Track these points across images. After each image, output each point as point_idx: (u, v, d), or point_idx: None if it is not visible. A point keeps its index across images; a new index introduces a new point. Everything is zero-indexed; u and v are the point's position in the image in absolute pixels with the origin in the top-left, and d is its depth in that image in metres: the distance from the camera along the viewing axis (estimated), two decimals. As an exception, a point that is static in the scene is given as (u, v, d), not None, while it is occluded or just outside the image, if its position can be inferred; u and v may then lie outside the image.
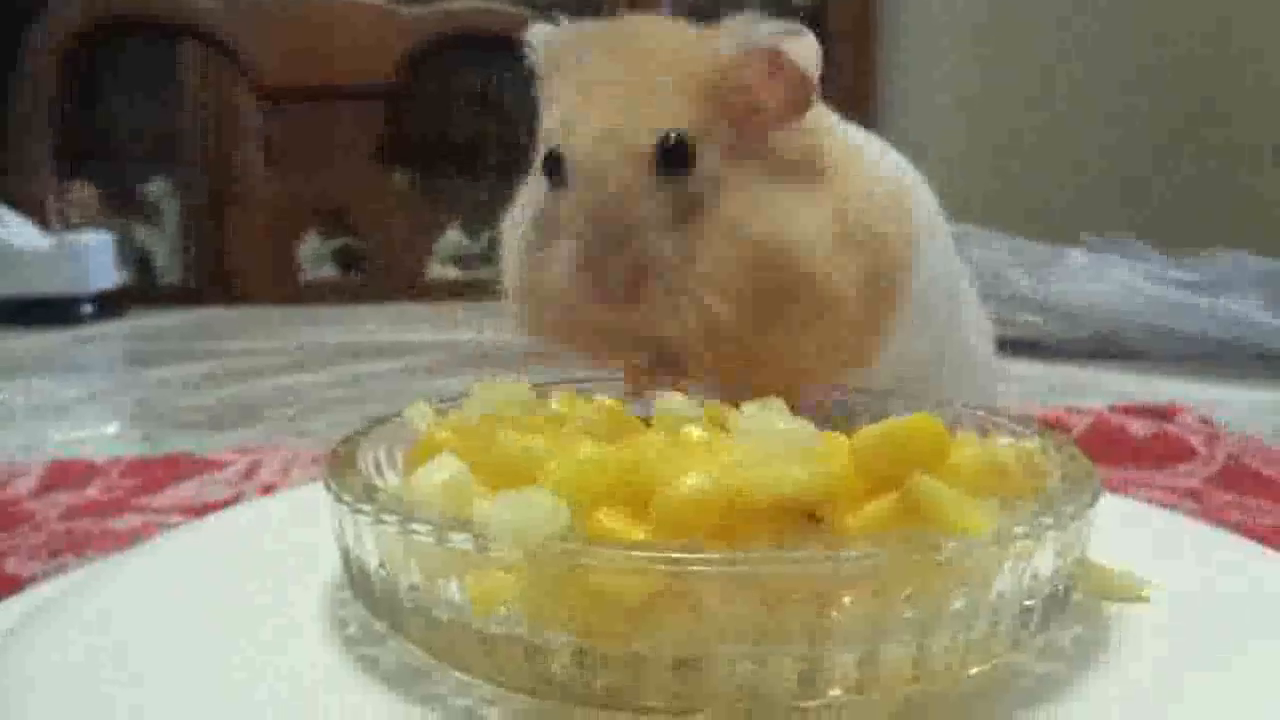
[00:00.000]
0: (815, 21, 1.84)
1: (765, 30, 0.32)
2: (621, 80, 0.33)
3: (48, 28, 1.24)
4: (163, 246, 1.86)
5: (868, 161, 0.36)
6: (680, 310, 0.31)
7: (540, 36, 0.36)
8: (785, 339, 0.33)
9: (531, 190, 0.36)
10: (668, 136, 0.32)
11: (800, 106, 0.33)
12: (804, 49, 0.32)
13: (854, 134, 0.38)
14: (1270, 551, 0.31)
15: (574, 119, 0.33)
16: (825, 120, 0.36)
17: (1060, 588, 0.24)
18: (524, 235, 0.35)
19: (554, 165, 0.33)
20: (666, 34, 0.35)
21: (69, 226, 1.14)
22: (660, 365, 0.34)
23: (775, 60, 0.32)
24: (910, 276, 0.35)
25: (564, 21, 0.36)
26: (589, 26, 0.36)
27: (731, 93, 0.33)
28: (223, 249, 1.42)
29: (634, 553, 0.21)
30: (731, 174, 0.32)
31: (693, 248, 0.32)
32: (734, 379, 0.31)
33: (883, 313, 0.35)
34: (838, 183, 0.34)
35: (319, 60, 1.32)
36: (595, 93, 0.33)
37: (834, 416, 0.31)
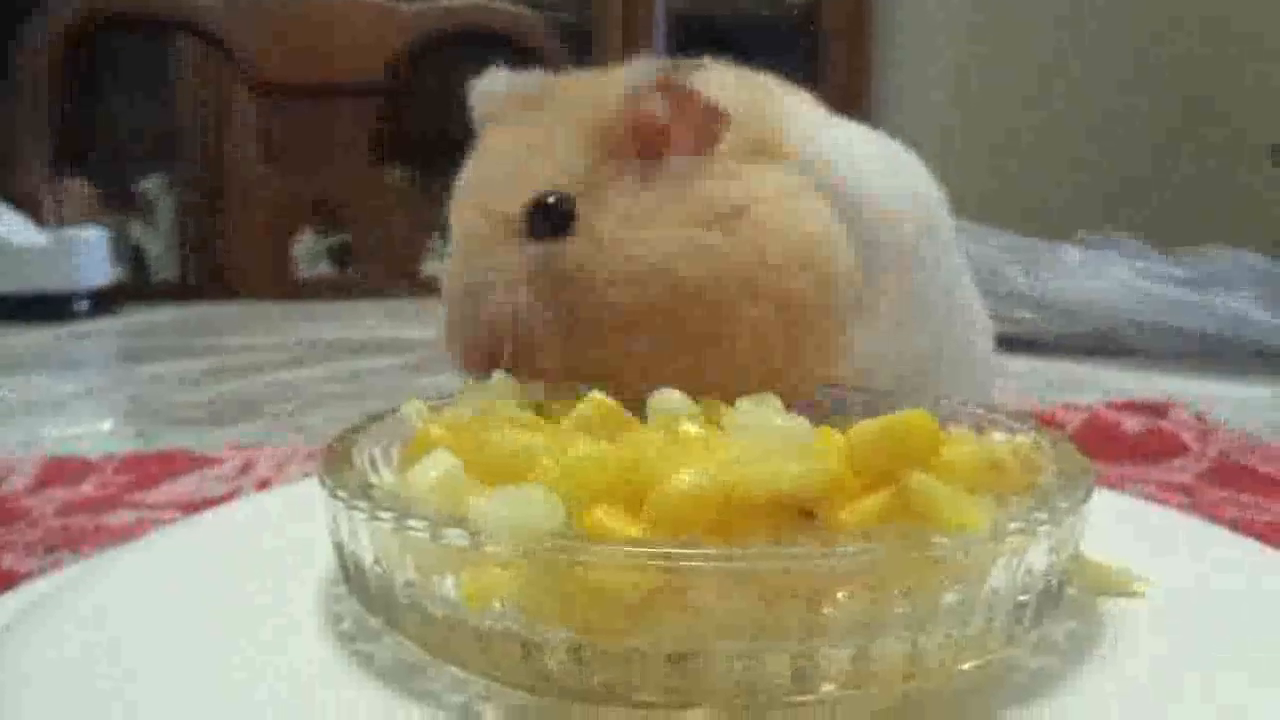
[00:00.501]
0: (809, 19, 1.84)
1: (663, 66, 0.31)
2: (510, 147, 0.33)
3: (44, 24, 1.24)
4: (158, 243, 1.86)
5: (832, 171, 0.34)
6: (547, 375, 0.31)
7: (479, 90, 0.36)
8: (695, 365, 0.32)
9: None
10: (541, 199, 0.31)
11: (711, 139, 0.32)
12: (710, 81, 0.31)
13: (836, 132, 0.37)
14: (1264, 547, 0.31)
15: (458, 191, 0.33)
16: (771, 105, 0.35)
17: (1054, 583, 0.24)
18: None
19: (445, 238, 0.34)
20: (575, 86, 0.34)
21: (64, 222, 1.14)
22: None
23: (678, 95, 0.31)
24: (865, 290, 0.34)
25: (505, 73, 0.36)
26: (522, 83, 0.35)
27: (627, 137, 0.32)
28: (218, 245, 1.42)
29: (629, 549, 0.21)
30: (613, 222, 0.31)
31: (564, 314, 0.31)
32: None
33: (811, 337, 0.33)
34: (764, 207, 0.32)
35: (316, 57, 1.32)
36: (483, 162, 0.33)
37: (829, 413, 0.31)
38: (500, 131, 0.34)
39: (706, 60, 0.32)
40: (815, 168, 0.34)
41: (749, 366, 0.32)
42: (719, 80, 0.32)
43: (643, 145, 0.32)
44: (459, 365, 0.33)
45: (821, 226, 0.33)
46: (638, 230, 0.31)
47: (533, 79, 0.35)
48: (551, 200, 0.31)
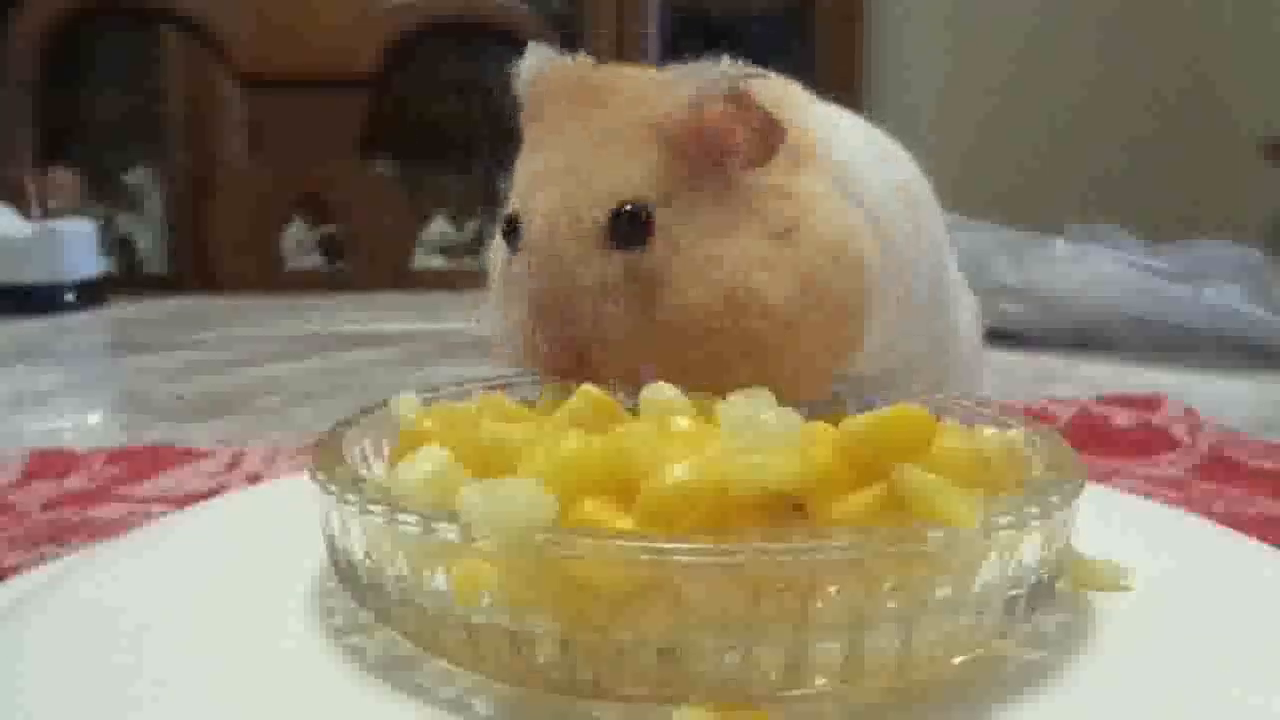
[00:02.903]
0: (803, 9, 1.84)
1: (725, 72, 0.31)
2: (580, 141, 0.32)
3: (30, 14, 1.23)
4: (146, 234, 1.85)
5: (847, 173, 0.35)
6: (629, 378, 0.31)
7: (528, 70, 0.35)
8: (742, 380, 0.32)
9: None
10: (621, 208, 0.31)
11: (768, 151, 0.32)
12: (768, 90, 0.32)
13: (832, 119, 0.37)
14: (1252, 541, 0.31)
15: (531, 185, 0.32)
16: (798, 110, 0.35)
17: (1045, 577, 0.24)
18: (493, 287, 0.35)
19: (511, 229, 0.33)
20: (634, 83, 0.33)
21: (50, 214, 1.13)
22: None
23: (740, 102, 0.31)
24: (878, 296, 0.35)
25: (550, 53, 0.35)
26: (572, 68, 0.35)
27: (694, 141, 0.32)
28: (206, 237, 1.41)
29: (618, 543, 0.21)
30: (690, 232, 0.32)
31: (644, 320, 0.31)
32: None
33: (846, 338, 0.34)
34: (804, 217, 0.33)
35: (304, 48, 1.31)
36: (554, 155, 0.32)
37: (820, 407, 0.31)
38: (562, 124, 0.33)
39: (768, 71, 0.32)
40: (835, 170, 0.35)
41: (803, 369, 0.33)
42: (776, 90, 0.32)
43: (707, 153, 0.32)
44: (541, 366, 0.32)
45: (857, 231, 0.34)
46: (713, 242, 0.32)
47: (581, 67, 0.35)
48: (633, 209, 0.31)
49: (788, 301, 0.32)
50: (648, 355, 0.31)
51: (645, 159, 0.32)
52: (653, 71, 0.34)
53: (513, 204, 0.33)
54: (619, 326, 0.31)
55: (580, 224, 0.31)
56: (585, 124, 0.33)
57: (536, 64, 0.35)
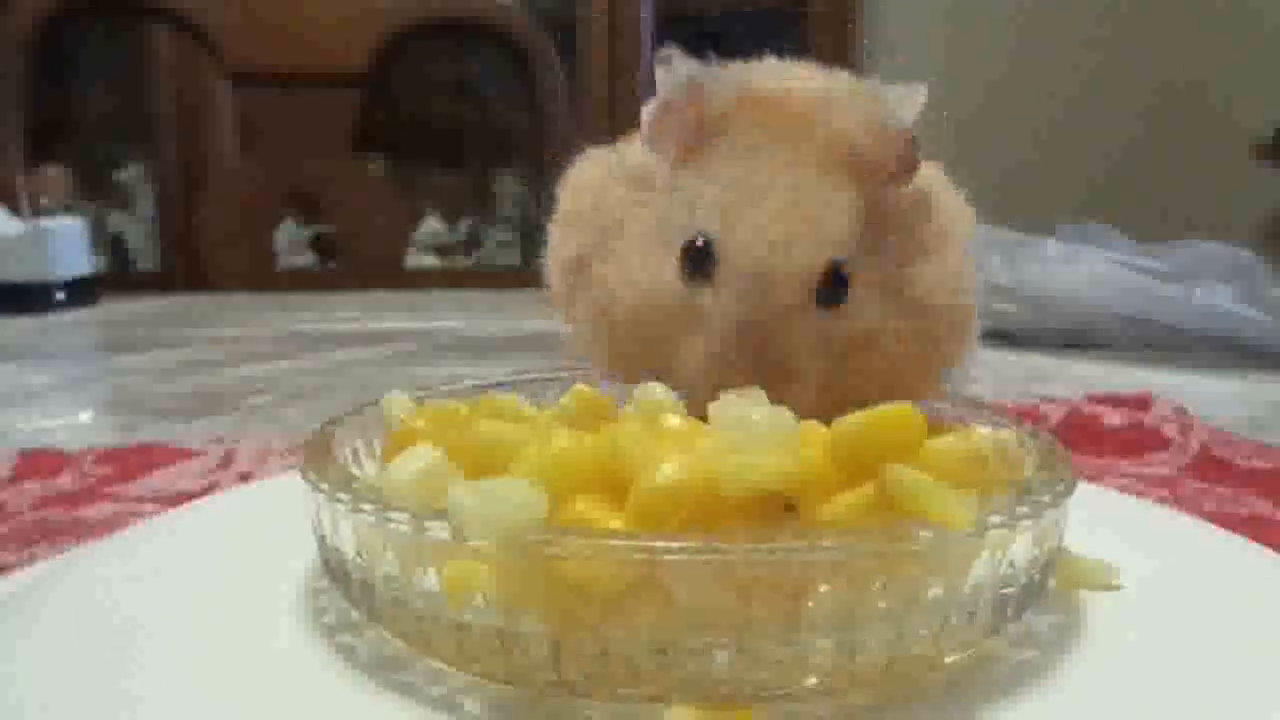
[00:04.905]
0: (797, 6, 1.84)
1: (893, 98, 0.31)
2: (781, 171, 0.30)
3: (16, 9, 1.22)
4: (138, 232, 1.84)
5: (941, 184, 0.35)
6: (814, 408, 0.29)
7: (681, 73, 0.32)
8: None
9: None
10: (832, 263, 0.30)
11: (911, 168, 0.32)
12: (913, 108, 0.31)
13: None
14: (1242, 541, 0.31)
15: (730, 211, 0.30)
16: None
17: (1036, 577, 0.24)
18: (633, 308, 0.32)
19: (700, 257, 0.30)
20: (810, 100, 0.32)
21: (41, 212, 1.13)
22: None
23: (904, 133, 0.31)
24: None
25: (687, 60, 0.32)
26: (733, 77, 0.32)
27: (880, 171, 0.31)
28: (198, 235, 1.41)
29: (608, 542, 0.21)
30: (874, 265, 0.31)
31: (840, 370, 0.30)
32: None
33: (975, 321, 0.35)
34: (947, 221, 0.33)
35: (295, 45, 1.31)
36: (752, 180, 0.30)
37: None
38: (749, 143, 0.31)
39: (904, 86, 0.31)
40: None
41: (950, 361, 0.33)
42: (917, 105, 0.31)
43: (879, 179, 0.31)
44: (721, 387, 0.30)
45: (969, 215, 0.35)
46: (891, 269, 0.31)
47: (740, 74, 0.32)
48: (839, 269, 0.30)
49: (953, 307, 0.32)
50: (832, 394, 0.30)
51: (845, 197, 0.31)
52: (814, 78, 0.33)
53: (700, 227, 0.31)
54: (816, 374, 0.30)
55: (797, 276, 0.30)
56: (779, 148, 0.31)
57: (691, 66, 0.32)
